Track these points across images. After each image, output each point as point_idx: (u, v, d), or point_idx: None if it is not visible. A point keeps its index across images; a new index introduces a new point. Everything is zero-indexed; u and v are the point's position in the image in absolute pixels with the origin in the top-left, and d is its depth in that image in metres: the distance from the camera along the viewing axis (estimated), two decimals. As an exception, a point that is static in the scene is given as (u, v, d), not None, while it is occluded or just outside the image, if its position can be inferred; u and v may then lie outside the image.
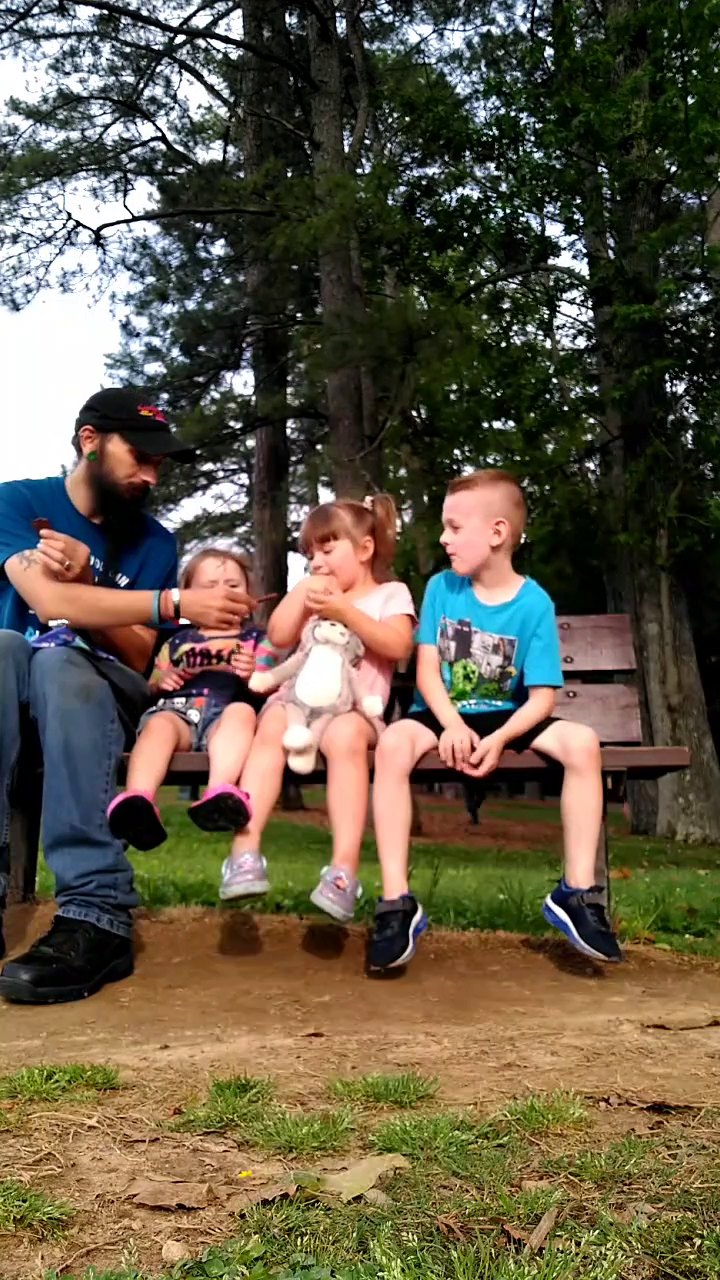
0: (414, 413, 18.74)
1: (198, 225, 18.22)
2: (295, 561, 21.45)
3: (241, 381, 39.32)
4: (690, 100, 11.36)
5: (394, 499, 2.89)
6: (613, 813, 2.47)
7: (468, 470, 20.77)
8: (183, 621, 2.67)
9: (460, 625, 2.62)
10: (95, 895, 2.17)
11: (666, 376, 13.71)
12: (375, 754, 2.42)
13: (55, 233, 16.11)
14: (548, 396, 15.69)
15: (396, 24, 18.90)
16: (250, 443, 20.48)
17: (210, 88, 17.52)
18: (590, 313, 16.69)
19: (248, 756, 2.42)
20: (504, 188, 13.63)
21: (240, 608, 2.63)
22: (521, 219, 13.79)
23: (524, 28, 17.63)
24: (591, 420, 17.60)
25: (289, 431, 20.28)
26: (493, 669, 2.60)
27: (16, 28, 14.96)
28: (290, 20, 17.02)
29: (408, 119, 15.75)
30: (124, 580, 2.72)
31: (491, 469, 3.05)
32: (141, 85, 16.15)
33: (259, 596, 2.85)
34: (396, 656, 2.68)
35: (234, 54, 17.13)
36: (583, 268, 16.29)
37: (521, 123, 13.07)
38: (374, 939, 2.30)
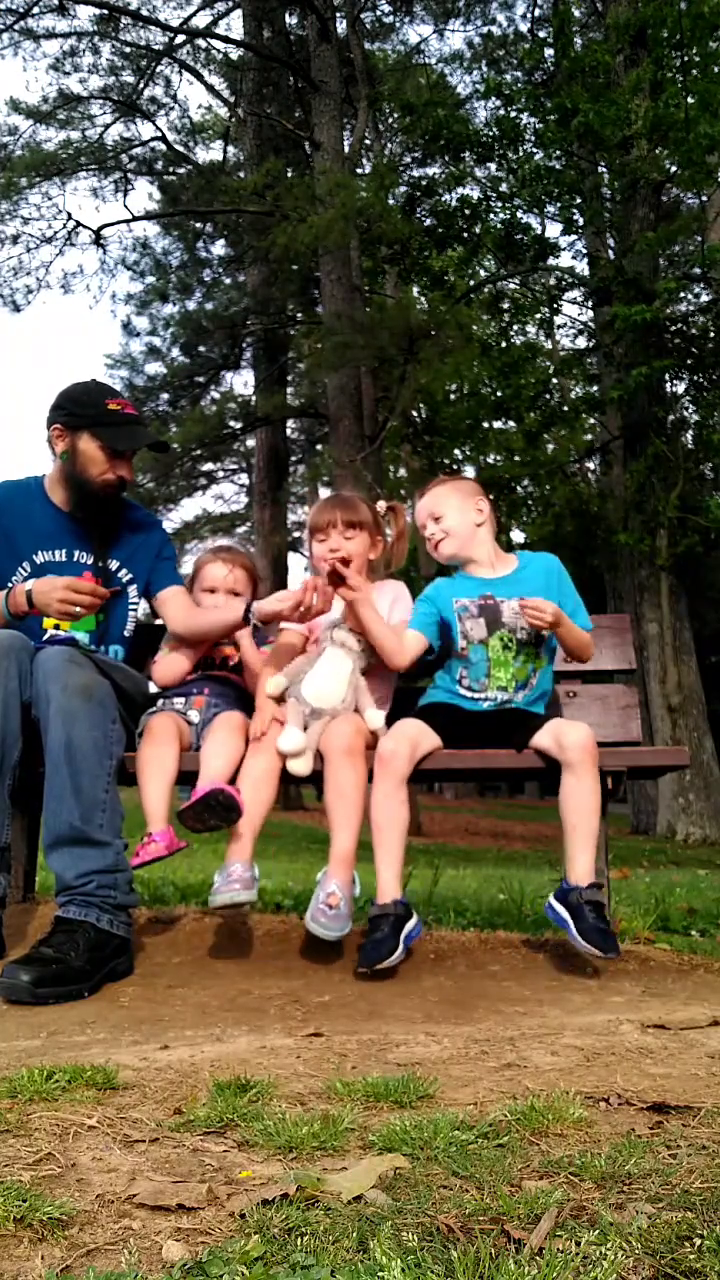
0: (414, 413, 18.71)
1: (198, 225, 18.19)
2: (296, 561, 21.44)
3: (241, 381, 39.38)
4: (690, 100, 11.37)
5: (393, 499, 2.92)
6: (613, 813, 2.46)
7: (469, 471, 20.79)
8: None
9: (483, 600, 2.62)
10: (95, 895, 2.17)
11: (666, 376, 13.71)
12: (375, 757, 2.40)
13: (55, 233, 16.08)
14: (548, 396, 15.72)
15: (396, 24, 18.90)
16: (250, 443, 20.44)
17: (210, 88, 17.52)
18: (590, 313, 16.71)
19: (239, 762, 2.42)
20: (504, 188, 13.65)
21: (82, 599, 2.38)
22: (521, 219, 13.80)
23: (524, 28, 17.66)
24: (591, 420, 17.60)
25: (289, 431, 20.25)
26: (528, 631, 2.58)
27: (16, 28, 14.94)
28: (290, 20, 17.01)
29: (408, 120, 15.74)
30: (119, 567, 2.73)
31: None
32: (141, 85, 16.13)
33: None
34: (400, 668, 2.61)
35: (234, 54, 17.13)
36: (583, 268, 16.31)
37: (521, 123, 13.07)
38: (364, 941, 2.30)
